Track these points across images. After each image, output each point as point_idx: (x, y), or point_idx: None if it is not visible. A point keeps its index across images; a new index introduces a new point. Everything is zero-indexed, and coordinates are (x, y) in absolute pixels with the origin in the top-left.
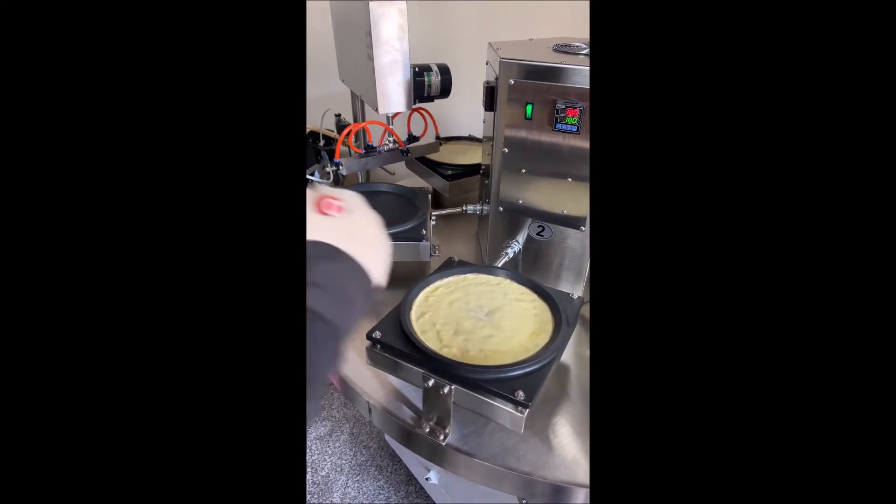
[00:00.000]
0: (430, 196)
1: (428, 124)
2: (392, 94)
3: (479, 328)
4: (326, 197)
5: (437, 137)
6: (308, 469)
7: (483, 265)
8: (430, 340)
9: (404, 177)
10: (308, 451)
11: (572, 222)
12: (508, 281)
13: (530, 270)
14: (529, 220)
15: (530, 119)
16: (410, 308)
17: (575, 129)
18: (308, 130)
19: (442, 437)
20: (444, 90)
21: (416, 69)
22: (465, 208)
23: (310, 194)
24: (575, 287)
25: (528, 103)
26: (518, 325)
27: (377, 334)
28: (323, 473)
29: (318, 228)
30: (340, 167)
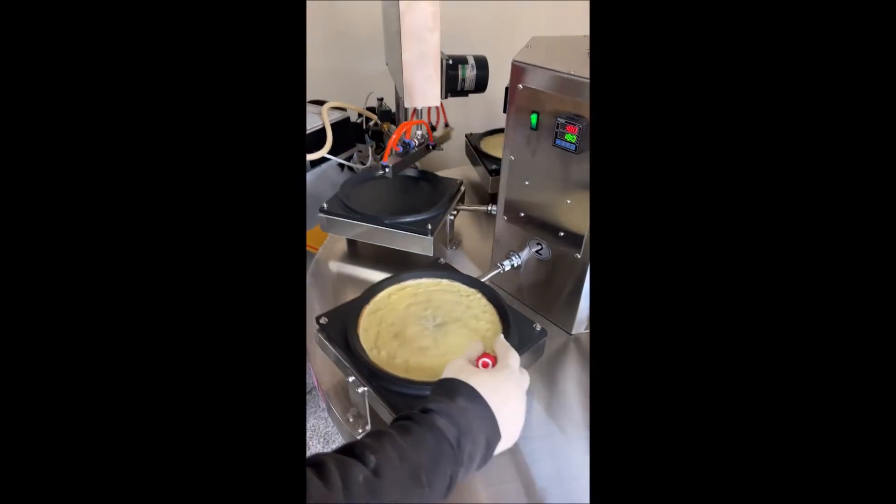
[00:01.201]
0: (461, 189)
1: (439, 115)
2: (419, 88)
3: (419, 338)
4: (484, 354)
5: (446, 124)
6: (321, 439)
7: (465, 274)
8: (367, 338)
9: (460, 163)
10: (326, 422)
11: (569, 246)
12: (479, 296)
13: (530, 291)
14: (530, 236)
15: (536, 129)
16: (367, 302)
17: (573, 147)
18: (350, 109)
19: (360, 432)
20: (480, 85)
21: (450, 61)
22: (490, 208)
23: (470, 352)
24: (566, 318)
25: (533, 112)
26: (460, 343)
27: (323, 320)
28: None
29: (465, 371)
30: (387, 170)
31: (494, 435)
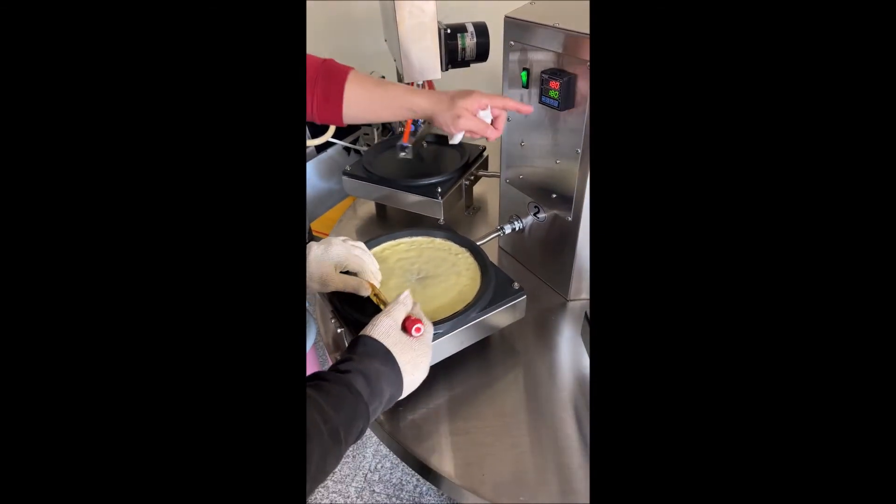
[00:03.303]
0: (483, 155)
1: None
2: (418, 61)
3: (400, 288)
4: (416, 320)
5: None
6: None
7: (460, 235)
8: None
9: None
10: None
11: (560, 208)
12: (468, 255)
13: (531, 255)
14: (529, 199)
15: (527, 87)
16: None
17: (556, 104)
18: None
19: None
20: (481, 53)
21: (448, 30)
22: None
23: (401, 309)
24: (562, 283)
25: (524, 69)
26: (435, 295)
27: None
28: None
29: (392, 336)
30: (408, 150)
31: (397, 394)
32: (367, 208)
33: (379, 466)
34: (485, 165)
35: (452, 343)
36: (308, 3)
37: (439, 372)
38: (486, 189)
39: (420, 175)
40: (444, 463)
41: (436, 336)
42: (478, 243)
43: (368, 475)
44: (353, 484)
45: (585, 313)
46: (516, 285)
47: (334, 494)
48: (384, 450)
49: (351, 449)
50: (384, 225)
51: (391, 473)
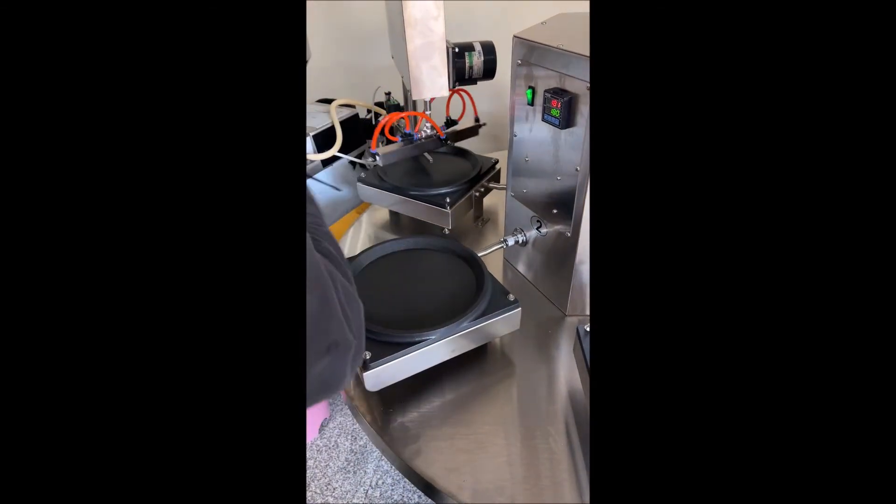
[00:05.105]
0: (495, 168)
1: (466, 106)
2: (426, 78)
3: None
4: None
5: (476, 120)
6: (349, 437)
7: (460, 244)
8: None
9: None
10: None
11: (561, 223)
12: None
13: (533, 269)
14: (532, 213)
15: (532, 105)
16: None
17: (557, 122)
18: (359, 106)
19: None
20: (488, 71)
21: (457, 49)
22: None
23: None
24: (561, 298)
25: (529, 87)
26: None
27: None
28: (361, 443)
29: None
30: (377, 157)
31: None
32: (379, 215)
33: (380, 483)
34: (496, 178)
35: (444, 350)
36: (314, 19)
37: (432, 378)
38: (498, 201)
39: (430, 185)
40: (427, 466)
41: (428, 342)
42: (479, 255)
43: (370, 491)
44: (354, 500)
45: (577, 329)
46: (511, 297)
47: None
48: (385, 465)
49: (352, 465)
50: (397, 231)
51: (392, 490)
